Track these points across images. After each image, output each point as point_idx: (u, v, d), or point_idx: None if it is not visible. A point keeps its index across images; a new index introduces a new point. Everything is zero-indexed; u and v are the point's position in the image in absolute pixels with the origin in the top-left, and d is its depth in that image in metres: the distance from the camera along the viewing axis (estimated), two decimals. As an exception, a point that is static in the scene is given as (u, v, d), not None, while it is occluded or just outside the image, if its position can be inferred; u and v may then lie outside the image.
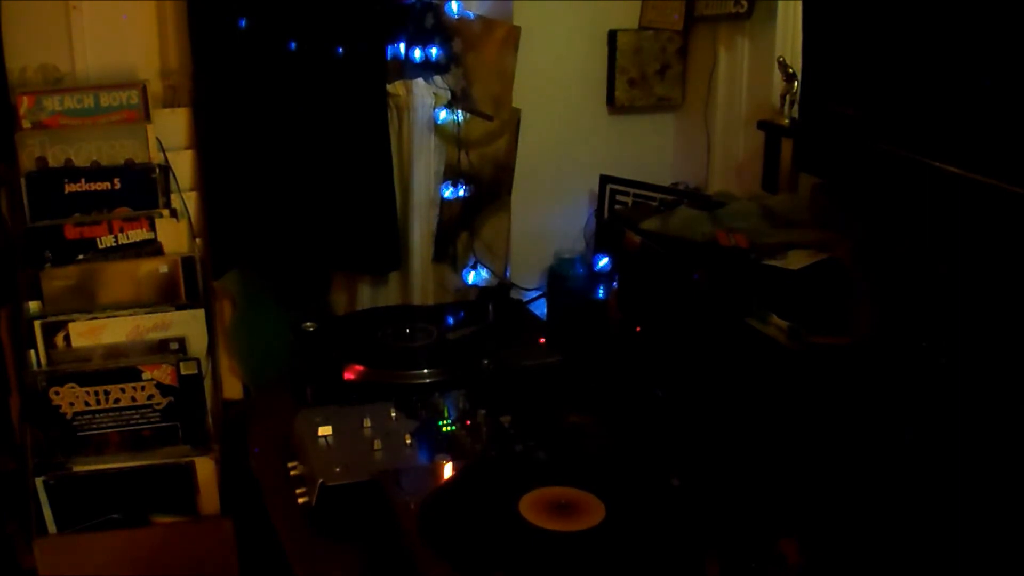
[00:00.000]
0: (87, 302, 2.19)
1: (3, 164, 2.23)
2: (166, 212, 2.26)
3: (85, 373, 2.13)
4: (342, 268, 2.47)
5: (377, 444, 1.64)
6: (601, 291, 2.37)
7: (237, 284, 2.43)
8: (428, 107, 2.40)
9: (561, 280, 2.53)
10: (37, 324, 2.14)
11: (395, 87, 2.37)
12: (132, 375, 2.15)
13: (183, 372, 2.17)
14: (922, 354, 1.31)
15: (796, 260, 1.63)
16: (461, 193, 2.48)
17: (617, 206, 2.50)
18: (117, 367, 2.15)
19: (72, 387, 2.12)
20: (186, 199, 2.30)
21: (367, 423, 1.71)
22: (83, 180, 2.23)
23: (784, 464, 1.47)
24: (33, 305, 2.16)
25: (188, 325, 2.22)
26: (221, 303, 2.44)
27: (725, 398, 1.64)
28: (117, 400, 2.15)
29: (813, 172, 1.95)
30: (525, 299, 2.57)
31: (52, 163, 2.23)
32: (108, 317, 2.18)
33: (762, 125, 2.09)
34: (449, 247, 2.53)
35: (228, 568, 2.20)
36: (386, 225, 2.41)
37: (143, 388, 2.16)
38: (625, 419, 1.82)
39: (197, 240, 2.31)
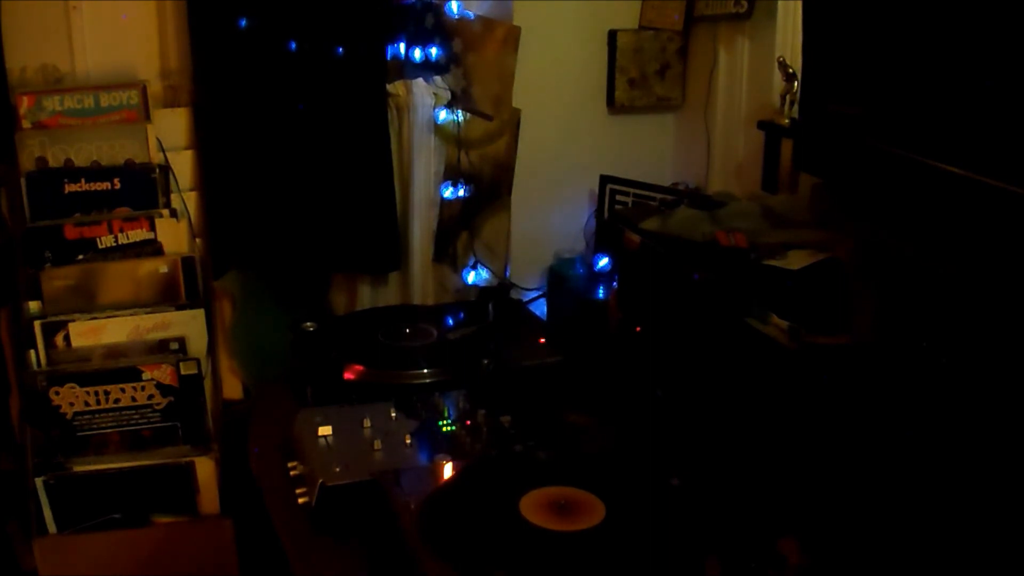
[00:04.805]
0: (87, 302, 2.19)
1: (3, 164, 2.23)
2: (166, 212, 2.26)
3: (85, 373, 2.13)
4: (342, 268, 2.47)
5: (377, 444, 1.64)
6: (601, 291, 2.37)
7: (237, 284, 2.43)
8: (428, 107, 2.40)
9: (561, 280, 2.53)
10: (37, 324, 2.14)
11: (395, 87, 2.37)
12: (132, 375, 2.15)
13: (183, 372, 2.17)
14: (922, 354, 1.31)
15: (796, 260, 1.63)
16: (461, 193, 2.48)
17: (617, 206, 2.50)
18: (117, 367, 2.15)
19: (72, 387, 2.12)
20: (186, 199, 2.30)
21: (367, 423, 1.71)
22: (83, 180, 2.23)
23: (784, 464, 1.47)
24: (33, 305, 2.16)
25: (188, 325, 2.22)
26: (221, 303, 2.44)
27: (725, 398, 1.64)
28: (117, 400, 2.15)
29: (813, 172, 1.95)
30: (525, 299, 2.57)
31: (52, 163, 2.23)
32: (108, 317, 2.18)
33: (762, 125, 2.09)
34: (449, 247, 2.53)
35: (228, 568, 2.20)
36: (386, 225, 2.41)
37: (143, 388, 2.16)
38: (625, 419, 1.82)
39: (197, 240, 2.31)
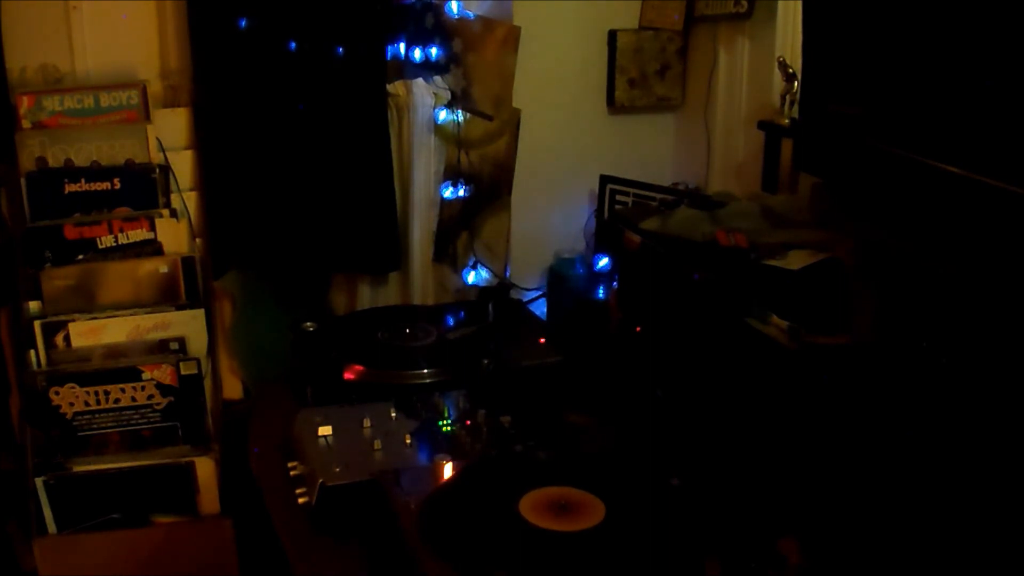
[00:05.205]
0: (87, 302, 2.19)
1: (3, 164, 2.23)
2: (166, 212, 2.26)
3: (85, 373, 2.13)
4: (342, 268, 2.47)
5: (377, 444, 1.64)
6: (601, 291, 2.37)
7: (237, 284, 2.43)
8: (428, 107, 2.40)
9: (561, 280, 2.53)
10: (37, 324, 2.14)
11: (395, 87, 2.37)
12: (132, 375, 2.15)
13: (183, 372, 2.17)
14: (922, 354, 1.31)
15: (796, 260, 1.63)
16: (461, 193, 2.48)
17: (617, 206, 2.50)
18: (117, 367, 2.15)
19: (72, 387, 2.12)
20: (186, 199, 2.30)
21: (367, 423, 1.71)
22: (83, 180, 2.23)
23: (784, 464, 1.47)
24: (33, 305, 2.16)
25: (188, 325, 2.22)
26: (221, 303, 2.44)
27: (725, 398, 1.64)
28: (117, 400, 2.15)
29: (813, 172, 1.94)
30: (525, 299, 2.57)
31: (52, 163, 2.23)
32: (108, 317, 2.18)
33: (762, 125, 2.09)
34: (449, 247, 2.53)
35: (228, 568, 2.20)
36: (386, 225, 2.41)
37: (143, 388, 2.16)
38: (625, 419, 1.82)
39: (197, 240, 2.31)
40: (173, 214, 2.27)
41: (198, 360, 2.19)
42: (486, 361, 1.92)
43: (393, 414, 1.75)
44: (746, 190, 2.25)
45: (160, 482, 2.17)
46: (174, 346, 2.21)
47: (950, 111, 1.45)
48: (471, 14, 2.39)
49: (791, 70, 2.00)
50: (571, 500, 1.41)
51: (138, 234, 2.23)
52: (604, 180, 2.54)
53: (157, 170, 2.26)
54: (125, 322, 2.18)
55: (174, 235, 2.25)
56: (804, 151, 1.98)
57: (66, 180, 2.22)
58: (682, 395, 1.77)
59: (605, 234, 2.45)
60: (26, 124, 2.22)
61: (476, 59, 2.40)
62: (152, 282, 2.23)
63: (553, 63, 2.57)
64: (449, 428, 1.71)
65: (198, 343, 2.23)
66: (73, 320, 2.15)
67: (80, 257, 2.20)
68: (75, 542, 2.14)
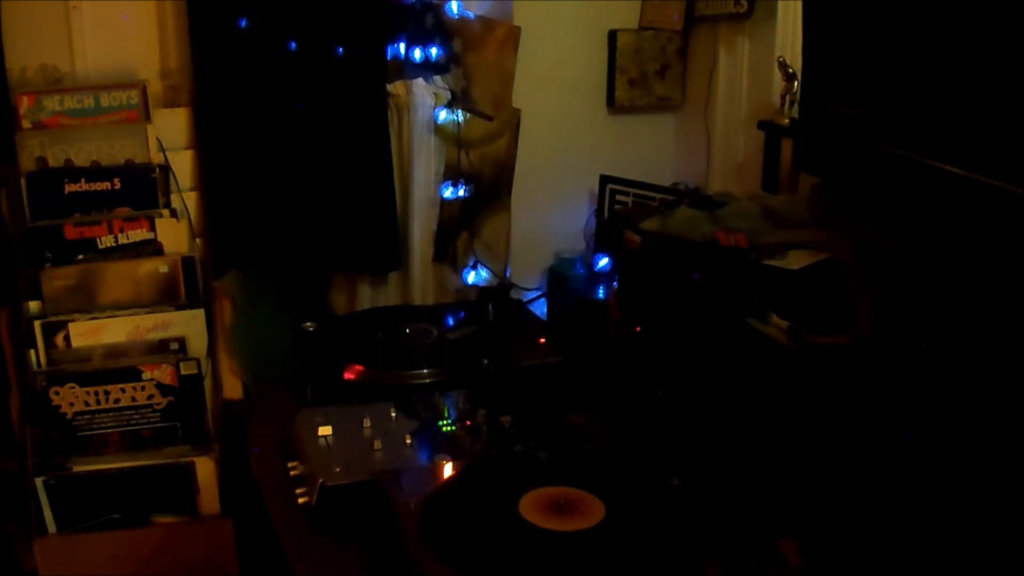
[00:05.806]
0: (87, 302, 2.19)
1: (3, 164, 2.23)
2: (166, 212, 2.26)
3: (85, 373, 2.13)
4: (342, 268, 2.48)
5: (377, 444, 1.64)
6: (601, 291, 2.37)
7: (237, 284, 2.43)
8: (428, 107, 2.40)
9: (561, 280, 2.53)
10: (37, 324, 2.14)
11: (395, 87, 2.37)
12: (132, 375, 2.15)
13: (183, 372, 2.17)
14: (922, 354, 1.31)
15: (796, 260, 1.63)
16: (461, 193, 2.48)
17: (617, 206, 2.50)
18: (117, 367, 2.15)
19: (72, 387, 2.12)
20: (186, 199, 2.30)
21: (367, 423, 1.71)
22: (83, 180, 2.23)
23: (784, 464, 1.47)
24: (33, 305, 2.17)
25: (188, 325, 2.22)
26: (221, 303, 2.44)
27: (725, 398, 1.64)
28: (117, 400, 2.15)
29: (813, 172, 1.95)
30: (525, 299, 2.57)
31: (52, 163, 2.23)
32: (108, 317, 2.18)
33: (762, 125, 2.09)
34: (449, 247, 2.53)
35: (228, 568, 2.20)
36: (386, 225, 2.41)
37: (143, 388, 2.16)
38: (625, 419, 1.82)
39: (197, 240, 2.31)
40: (173, 214, 2.27)
41: (198, 360, 2.19)
42: (486, 361, 1.92)
43: (393, 414, 1.75)
44: (746, 190, 2.25)
45: (160, 482, 2.17)
46: (174, 346, 2.21)
47: (950, 111, 1.45)
48: (471, 14, 2.39)
49: (791, 70, 2.00)
50: (571, 500, 1.41)
51: (138, 234, 2.23)
52: (604, 180, 2.54)
53: (157, 170, 2.27)
54: (125, 322, 2.18)
55: (174, 235, 2.25)
56: (804, 151, 1.98)
57: (66, 180, 2.22)
58: (682, 395, 1.77)
59: (605, 234, 2.45)
60: (26, 124, 2.22)
61: (476, 59, 2.40)
62: (152, 282, 2.23)
63: (553, 63, 2.58)
64: (449, 428, 1.71)
65: (198, 343, 2.23)
66: (73, 320, 2.16)
67: (80, 257, 2.20)
68: (75, 542, 2.14)
